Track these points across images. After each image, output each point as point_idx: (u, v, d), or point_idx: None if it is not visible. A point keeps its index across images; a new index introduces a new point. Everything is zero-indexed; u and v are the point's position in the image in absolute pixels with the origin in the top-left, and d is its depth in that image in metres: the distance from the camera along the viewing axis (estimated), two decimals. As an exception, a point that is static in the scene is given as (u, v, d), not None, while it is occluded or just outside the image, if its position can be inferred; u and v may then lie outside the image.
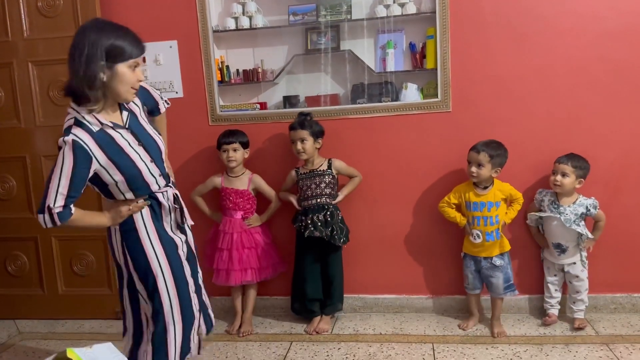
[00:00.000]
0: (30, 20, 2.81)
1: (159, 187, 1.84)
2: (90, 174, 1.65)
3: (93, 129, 1.65)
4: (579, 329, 2.49)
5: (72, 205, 1.64)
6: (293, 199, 2.67)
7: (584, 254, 2.54)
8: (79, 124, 1.63)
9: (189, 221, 1.95)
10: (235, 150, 2.63)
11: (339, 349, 2.48)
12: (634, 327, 2.52)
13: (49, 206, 1.60)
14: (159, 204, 1.83)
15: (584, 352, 2.30)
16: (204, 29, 2.74)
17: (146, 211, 1.81)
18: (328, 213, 2.58)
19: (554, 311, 2.60)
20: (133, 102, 1.82)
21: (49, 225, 1.63)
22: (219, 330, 2.76)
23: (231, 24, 2.76)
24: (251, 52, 2.85)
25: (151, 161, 1.79)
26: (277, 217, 2.79)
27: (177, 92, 2.82)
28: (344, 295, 2.78)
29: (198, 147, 2.84)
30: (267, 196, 2.74)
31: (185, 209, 1.92)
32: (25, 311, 3.06)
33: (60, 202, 1.61)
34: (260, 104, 2.82)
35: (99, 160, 1.65)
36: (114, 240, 1.84)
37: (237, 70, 2.85)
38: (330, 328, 2.69)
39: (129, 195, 1.77)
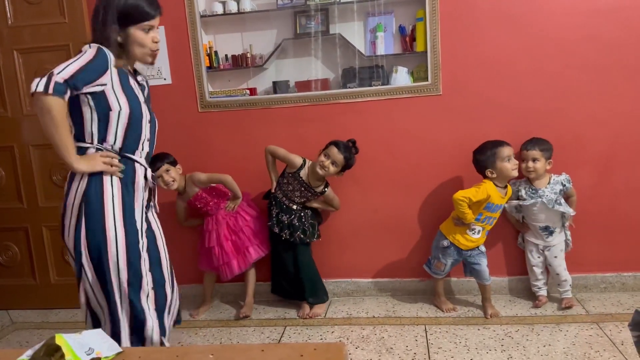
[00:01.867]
0: (14, 7, 2.77)
1: (141, 155, 1.82)
2: (99, 81, 1.64)
3: (114, 61, 1.71)
4: (568, 307, 2.52)
5: (69, 91, 1.59)
6: (273, 185, 2.66)
7: (569, 232, 2.56)
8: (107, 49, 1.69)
9: (156, 207, 1.94)
10: (167, 170, 2.56)
11: (332, 332, 2.50)
12: (624, 305, 2.56)
13: (51, 72, 1.56)
14: (134, 176, 1.78)
15: (574, 331, 2.33)
16: (191, 14, 2.70)
17: (116, 183, 1.73)
18: (296, 217, 2.63)
19: (543, 293, 2.62)
20: (145, 84, 1.89)
21: (40, 88, 1.53)
22: (213, 317, 2.77)
23: (219, 9, 2.73)
24: (240, 37, 2.82)
25: (148, 121, 1.82)
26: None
27: (165, 79, 2.79)
28: (338, 280, 2.79)
29: (188, 134, 2.83)
30: (215, 183, 2.67)
31: (156, 192, 1.92)
32: (18, 301, 3.06)
33: (65, 75, 1.56)
34: (250, 89, 2.80)
35: (113, 79, 1.69)
36: (72, 196, 1.72)
37: (226, 55, 2.83)
38: (324, 312, 2.70)
39: (119, 141, 1.74)
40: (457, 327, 2.46)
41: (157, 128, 1.93)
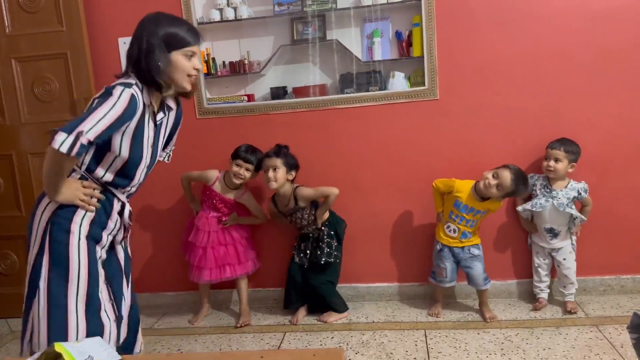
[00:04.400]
0: (12, 15, 2.77)
1: (129, 191, 1.81)
2: (119, 130, 1.62)
3: (145, 100, 1.69)
4: (571, 312, 2.52)
5: (88, 149, 1.55)
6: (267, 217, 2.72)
7: (574, 237, 2.57)
8: (138, 87, 1.66)
9: (127, 242, 1.89)
10: (247, 170, 2.59)
11: (332, 338, 2.50)
12: (623, 308, 2.56)
13: (81, 131, 1.46)
14: (110, 210, 1.75)
15: (574, 334, 2.33)
16: (189, 21, 2.71)
17: (89, 218, 1.69)
18: (312, 239, 2.64)
19: (544, 295, 2.62)
20: (169, 119, 1.86)
21: (65, 149, 1.45)
22: (213, 323, 2.77)
23: (216, 16, 2.74)
24: (237, 43, 2.83)
25: (147, 166, 1.81)
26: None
27: (163, 86, 2.79)
28: (337, 285, 2.78)
29: (186, 140, 2.79)
30: (253, 213, 2.73)
31: (129, 232, 1.88)
32: (17, 310, 2.99)
33: (92, 136, 1.49)
34: (248, 95, 2.81)
35: (130, 126, 1.65)
36: (39, 214, 1.68)
37: (224, 62, 2.83)
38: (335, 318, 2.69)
39: (110, 176, 1.71)
40: (456, 331, 2.46)
41: (154, 165, 1.88)
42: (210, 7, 2.76)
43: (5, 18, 2.76)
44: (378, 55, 2.70)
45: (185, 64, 1.71)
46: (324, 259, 2.60)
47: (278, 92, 2.80)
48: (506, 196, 2.44)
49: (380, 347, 2.37)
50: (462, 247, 2.53)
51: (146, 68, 1.65)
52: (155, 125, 1.79)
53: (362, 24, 2.74)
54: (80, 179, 1.69)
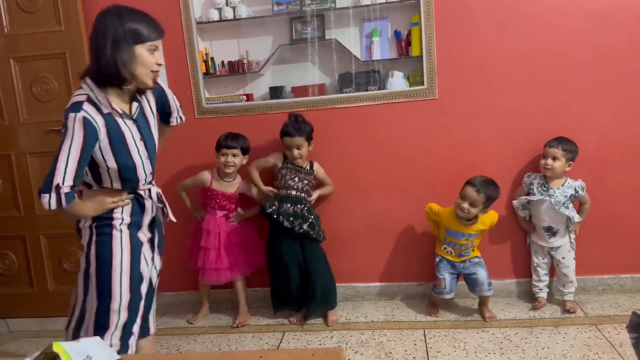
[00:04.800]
0: (10, 15, 2.77)
1: (145, 183, 1.82)
2: (93, 150, 1.62)
3: (103, 109, 1.64)
4: (570, 311, 2.52)
5: (76, 189, 1.60)
6: (268, 188, 2.65)
7: (572, 236, 2.57)
8: (91, 101, 1.62)
9: (172, 218, 1.94)
10: (234, 155, 2.60)
11: (331, 337, 2.50)
12: (622, 307, 2.56)
13: (58, 185, 1.53)
14: (141, 204, 1.81)
15: (573, 334, 2.33)
16: (187, 20, 2.71)
17: (127, 211, 1.77)
18: (305, 208, 2.56)
19: (543, 295, 2.62)
20: (147, 101, 1.82)
21: (54, 207, 1.55)
22: (212, 323, 2.77)
23: (215, 15, 2.74)
24: (236, 43, 2.83)
25: (147, 158, 1.79)
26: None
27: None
28: (336, 285, 2.77)
29: (184, 140, 2.82)
30: (254, 198, 2.74)
31: (168, 207, 1.92)
32: (16, 310, 3.04)
33: (69, 181, 1.55)
34: (247, 95, 2.81)
35: (102, 142, 1.63)
36: (83, 236, 1.78)
37: (222, 61, 2.83)
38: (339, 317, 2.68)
39: (117, 184, 1.74)
40: (456, 330, 2.46)
41: (157, 145, 1.88)
42: (209, 6, 2.75)
43: (3, 18, 2.76)
44: (377, 55, 2.70)
45: (149, 59, 1.67)
46: (313, 233, 2.53)
47: (277, 92, 2.80)
48: (487, 205, 2.44)
49: (379, 346, 2.37)
50: (463, 260, 2.55)
51: (110, 62, 1.61)
52: (133, 119, 1.74)
53: (361, 24, 2.74)
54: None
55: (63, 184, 1.54)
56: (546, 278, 2.62)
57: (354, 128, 2.72)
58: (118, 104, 1.69)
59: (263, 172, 2.71)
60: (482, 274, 2.51)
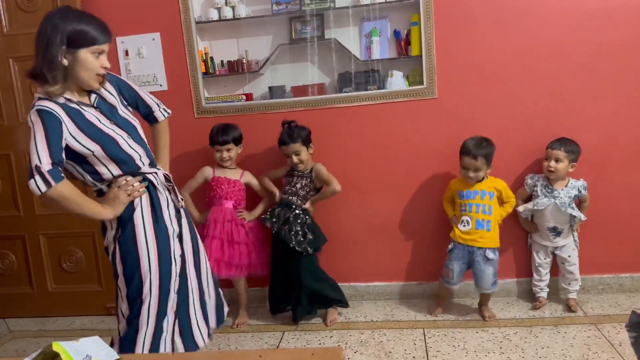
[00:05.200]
0: (9, 15, 2.77)
1: (143, 164, 1.81)
2: (64, 138, 1.61)
3: (59, 100, 1.65)
4: (572, 309, 2.52)
5: (60, 169, 1.58)
6: (276, 192, 2.66)
7: (576, 234, 2.57)
8: (42, 98, 1.64)
9: (182, 202, 1.93)
10: (229, 150, 2.60)
11: (331, 337, 2.50)
12: (621, 306, 2.56)
13: (37, 166, 1.53)
14: (154, 187, 1.80)
15: (572, 333, 2.34)
16: (187, 20, 2.71)
17: (145, 200, 1.77)
18: (293, 214, 2.54)
19: (543, 294, 2.62)
20: (107, 91, 1.80)
21: (43, 188, 1.54)
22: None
23: (214, 15, 2.74)
24: (235, 42, 2.83)
25: (128, 137, 1.77)
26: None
27: (161, 85, 2.79)
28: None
29: (184, 140, 2.82)
30: (257, 191, 2.73)
31: (176, 189, 1.92)
32: (15, 310, 3.04)
33: (46, 159, 1.54)
34: (246, 95, 2.81)
35: (68, 127, 1.63)
36: (109, 233, 1.79)
37: (222, 61, 2.83)
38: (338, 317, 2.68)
39: (114, 168, 1.73)
40: (455, 330, 2.46)
41: (141, 132, 1.86)
42: (209, 6, 2.75)
43: (2, 17, 2.76)
44: (376, 54, 2.70)
45: (93, 63, 1.66)
46: (293, 243, 2.49)
47: (276, 92, 2.80)
48: (489, 161, 2.44)
49: (379, 346, 2.37)
50: (479, 247, 2.48)
51: (43, 61, 1.62)
52: (94, 106, 1.74)
53: (360, 23, 2.74)
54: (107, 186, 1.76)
55: (40, 162, 1.53)
56: (547, 277, 2.62)
57: (354, 128, 2.72)
58: (74, 96, 1.71)
59: (275, 181, 2.73)
60: (489, 272, 2.47)
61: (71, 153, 1.66)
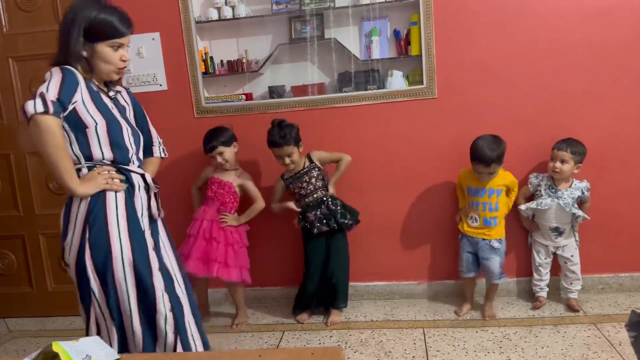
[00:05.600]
0: (9, 15, 2.77)
1: (134, 163, 1.80)
2: (75, 98, 1.61)
3: (83, 74, 1.68)
4: (575, 309, 2.52)
5: (61, 110, 1.56)
6: (292, 205, 2.61)
7: (577, 234, 2.57)
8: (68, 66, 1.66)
9: (161, 212, 1.89)
10: (221, 153, 2.57)
11: (330, 337, 2.50)
12: (621, 306, 2.56)
13: (42, 92, 1.52)
14: (132, 191, 1.75)
15: (572, 332, 2.34)
16: (187, 20, 2.71)
17: (121, 200, 1.71)
18: (328, 204, 2.55)
19: (543, 294, 2.62)
20: (122, 96, 1.83)
21: (40, 108, 1.50)
22: (211, 323, 2.76)
23: (214, 15, 2.73)
24: (235, 42, 2.83)
25: (132, 133, 1.79)
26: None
27: (161, 85, 2.79)
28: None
29: (184, 140, 2.82)
30: (251, 196, 2.68)
31: (159, 200, 1.88)
32: (15, 309, 3.04)
33: (54, 93, 1.54)
34: (246, 94, 2.81)
35: (83, 93, 1.64)
36: (73, 218, 1.69)
37: (222, 61, 2.83)
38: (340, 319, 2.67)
39: (107, 151, 1.71)
40: (455, 329, 2.46)
41: (142, 142, 1.88)
42: (208, 5, 2.75)
43: (2, 17, 2.76)
44: (376, 54, 2.70)
45: (112, 56, 1.68)
46: (347, 221, 2.54)
47: (276, 91, 2.80)
48: (502, 160, 2.42)
49: (379, 345, 2.37)
50: (483, 239, 2.50)
51: (65, 53, 1.65)
52: (111, 98, 1.77)
53: (360, 23, 2.74)
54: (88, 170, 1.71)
55: (47, 92, 1.53)
56: (547, 277, 2.62)
57: (353, 127, 2.72)
58: (95, 84, 1.74)
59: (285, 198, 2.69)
60: (495, 262, 2.49)
61: (74, 119, 1.64)
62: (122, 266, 1.66)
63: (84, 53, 1.66)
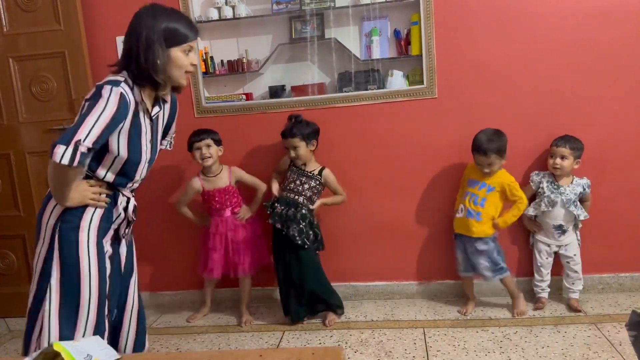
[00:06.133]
0: (9, 14, 2.76)
1: (131, 187, 1.81)
2: (116, 131, 1.60)
3: (136, 97, 1.65)
4: (577, 309, 2.52)
5: (88, 157, 1.53)
6: (274, 190, 2.63)
7: (578, 233, 2.58)
8: (128, 84, 1.63)
9: (128, 235, 1.88)
10: (208, 146, 2.57)
11: (331, 337, 2.50)
12: (621, 306, 2.56)
13: (78, 140, 1.46)
14: (114, 205, 1.76)
15: (572, 332, 2.34)
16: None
17: (99, 214, 1.72)
18: (300, 213, 2.52)
19: (545, 295, 2.62)
20: (165, 110, 1.84)
21: (66, 161, 1.45)
22: (211, 322, 2.77)
23: (214, 14, 2.73)
24: (235, 42, 2.83)
25: (146, 162, 1.79)
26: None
27: (161, 85, 2.79)
28: (335, 284, 2.75)
29: (184, 140, 2.80)
30: (250, 185, 2.71)
31: (130, 228, 1.88)
32: (16, 309, 3.02)
33: (90, 142, 1.48)
34: (246, 94, 2.81)
35: (125, 125, 1.62)
36: (43, 232, 1.70)
37: (222, 61, 2.83)
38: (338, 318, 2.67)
39: (111, 176, 1.71)
40: (455, 329, 2.46)
41: (155, 158, 1.88)
42: (209, 5, 2.75)
43: (2, 17, 2.76)
44: (376, 54, 2.70)
45: (184, 60, 1.68)
46: (298, 239, 2.49)
47: (276, 91, 2.80)
48: (503, 153, 2.44)
49: (379, 345, 2.37)
50: (470, 238, 2.51)
51: (144, 66, 1.61)
52: (151, 120, 1.77)
53: (360, 23, 2.74)
54: (84, 178, 1.70)
55: (84, 142, 1.47)
56: (548, 278, 2.62)
57: (354, 127, 2.72)
58: (147, 100, 1.72)
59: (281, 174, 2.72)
60: (482, 265, 2.51)
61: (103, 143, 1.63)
62: (89, 283, 1.67)
63: (158, 60, 1.62)
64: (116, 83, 1.59)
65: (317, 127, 2.58)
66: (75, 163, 1.48)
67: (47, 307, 1.64)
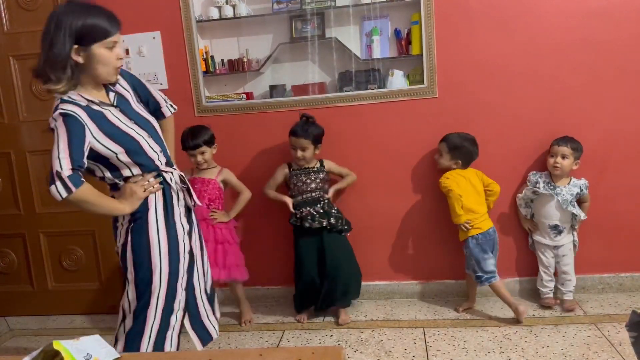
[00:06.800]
0: (10, 13, 2.77)
1: (161, 164, 1.81)
2: (87, 143, 1.60)
3: (81, 103, 1.63)
4: (569, 310, 2.52)
5: (80, 174, 1.58)
6: (288, 202, 2.59)
7: (576, 234, 2.57)
8: (65, 100, 1.62)
9: (197, 201, 1.93)
10: (202, 153, 2.55)
11: (331, 336, 2.50)
12: (621, 306, 2.56)
13: (57, 172, 1.53)
14: (168, 185, 1.81)
15: (572, 332, 2.34)
16: (187, 19, 2.71)
17: (159, 197, 1.78)
18: (324, 205, 2.56)
19: (551, 295, 2.60)
20: (121, 86, 1.81)
21: (64, 193, 1.55)
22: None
23: (214, 14, 2.73)
24: (236, 41, 2.83)
25: (148, 136, 1.78)
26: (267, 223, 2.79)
27: (161, 84, 2.79)
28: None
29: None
30: (236, 189, 2.68)
31: (192, 189, 1.93)
32: (16, 308, 3.04)
33: (67, 165, 1.54)
34: (247, 94, 2.81)
35: (92, 130, 1.62)
36: (121, 228, 1.80)
37: (222, 60, 2.83)
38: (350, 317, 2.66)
39: (136, 169, 1.74)
40: (455, 329, 2.46)
41: (158, 129, 1.87)
42: (209, 5, 2.75)
43: (3, 16, 2.76)
44: (377, 54, 2.70)
45: (109, 56, 1.64)
46: (339, 226, 2.56)
47: (277, 90, 2.80)
48: (457, 154, 2.51)
49: (379, 345, 2.37)
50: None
51: (46, 60, 1.58)
52: (114, 105, 1.74)
53: (361, 22, 2.73)
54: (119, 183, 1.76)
55: (61, 168, 1.53)
56: (553, 277, 2.62)
57: (354, 127, 2.72)
58: (94, 95, 1.69)
59: (279, 188, 2.70)
60: (470, 268, 2.54)
61: (95, 155, 1.66)
62: (159, 278, 1.77)
63: (80, 59, 1.60)
64: (55, 110, 1.60)
65: (323, 131, 2.60)
66: (73, 188, 1.55)
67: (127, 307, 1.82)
